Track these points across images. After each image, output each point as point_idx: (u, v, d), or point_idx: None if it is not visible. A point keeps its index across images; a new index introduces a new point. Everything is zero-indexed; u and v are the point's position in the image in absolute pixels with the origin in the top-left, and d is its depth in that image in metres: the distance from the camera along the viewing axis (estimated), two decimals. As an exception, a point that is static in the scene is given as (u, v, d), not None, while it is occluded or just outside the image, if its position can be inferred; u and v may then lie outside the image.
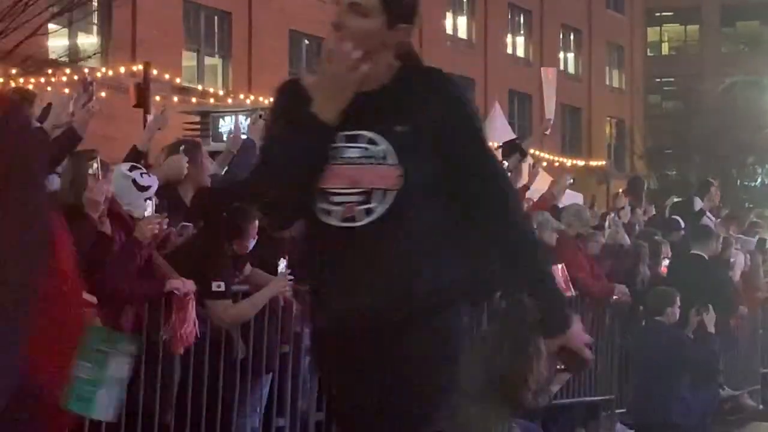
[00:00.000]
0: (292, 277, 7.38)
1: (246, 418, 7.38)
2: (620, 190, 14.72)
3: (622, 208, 12.73)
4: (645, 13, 50.06)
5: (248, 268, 7.49)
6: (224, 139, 15.38)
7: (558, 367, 7.60)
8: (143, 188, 6.87)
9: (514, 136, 14.44)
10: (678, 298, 10.36)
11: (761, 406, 12.97)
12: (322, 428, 8.17)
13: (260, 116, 8.68)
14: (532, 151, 17.00)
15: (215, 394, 6.99)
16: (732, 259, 12.82)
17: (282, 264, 7.42)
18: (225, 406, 7.12)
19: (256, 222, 7.23)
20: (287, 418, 7.79)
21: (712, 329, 10.68)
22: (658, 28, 53.20)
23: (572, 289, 10.21)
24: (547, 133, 11.82)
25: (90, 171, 6.37)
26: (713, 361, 10.55)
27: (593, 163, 40.87)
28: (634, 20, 48.53)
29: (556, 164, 34.79)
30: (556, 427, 10.08)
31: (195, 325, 6.56)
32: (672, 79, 48.49)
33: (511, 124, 28.81)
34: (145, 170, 7.11)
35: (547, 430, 9.79)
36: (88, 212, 6.16)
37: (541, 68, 13.46)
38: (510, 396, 7.30)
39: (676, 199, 15.43)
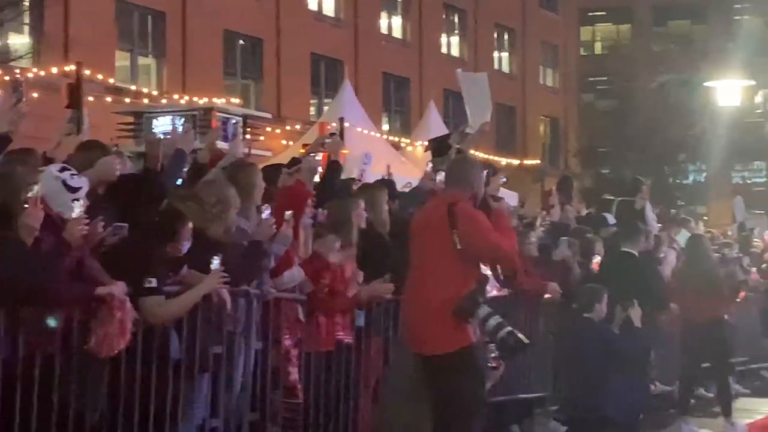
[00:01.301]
0: (225, 275, 7.36)
1: (182, 421, 7.34)
2: (552, 188, 14.83)
3: (553, 206, 12.84)
4: (578, 12, 50.44)
5: (184, 269, 7.48)
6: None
7: (489, 364, 7.70)
8: (73, 189, 6.82)
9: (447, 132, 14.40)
10: (606, 295, 10.48)
11: (692, 401, 13.13)
12: (257, 428, 8.18)
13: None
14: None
15: (148, 396, 6.96)
16: (662, 255, 12.96)
17: (215, 261, 7.38)
18: (158, 409, 7.09)
19: (190, 224, 7.22)
20: (221, 419, 7.78)
21: (638, 324, 10.80)
22: (591, 27, 53.63)
23: (505, 288, 10.31)
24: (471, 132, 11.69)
25: (30, 194, 6.28)
26: (642, 356, 10.68)
27: (528, 162, 41.16)
28: (567, 19, 48.88)
29: (491, 163, 34.97)
30: (490, 424, 10.13)
31: (125, 331, 6.49)
32: (605, 78, 48.82)
33: (446, 123, 28.98)
34: (75, 172, 7.05)
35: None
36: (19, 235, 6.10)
37: (457, 71, 12.64)
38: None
39: (608, 197, 15.53)
